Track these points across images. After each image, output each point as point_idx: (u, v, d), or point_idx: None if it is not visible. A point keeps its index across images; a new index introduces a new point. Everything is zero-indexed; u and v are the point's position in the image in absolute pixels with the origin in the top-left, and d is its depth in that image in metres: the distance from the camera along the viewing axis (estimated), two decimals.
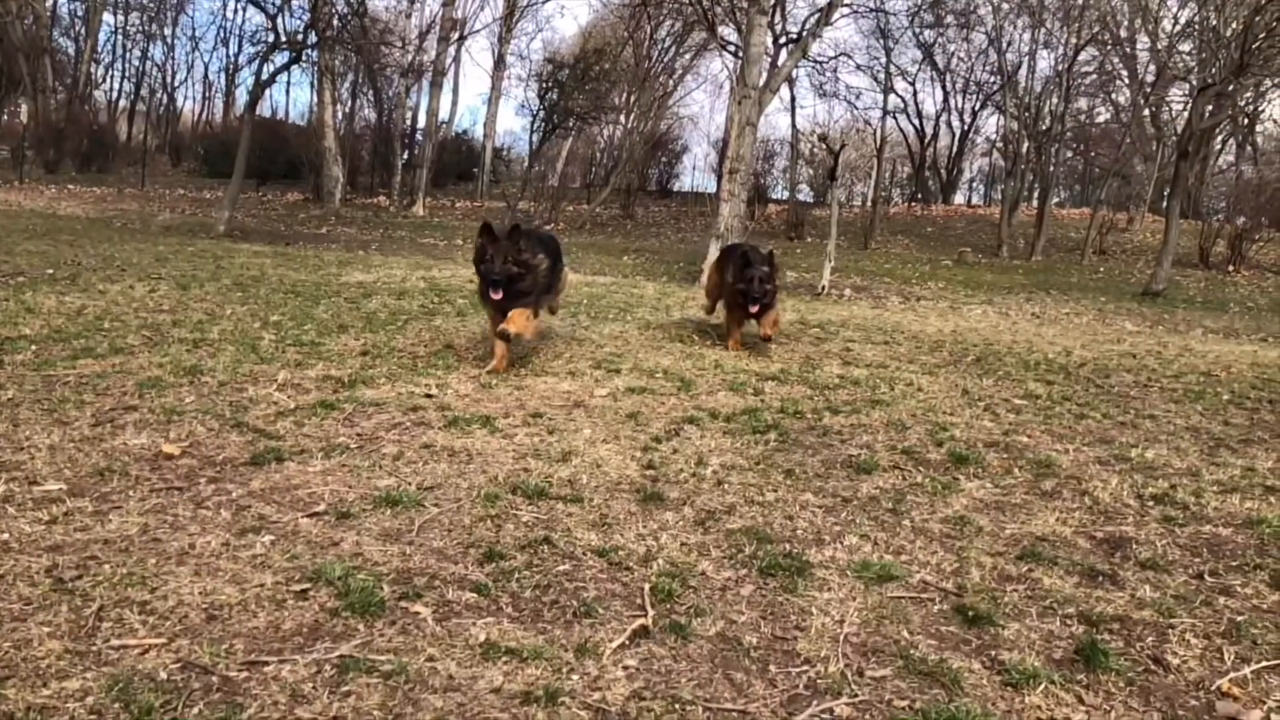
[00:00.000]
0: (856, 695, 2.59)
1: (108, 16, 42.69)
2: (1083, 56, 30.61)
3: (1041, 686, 2.68)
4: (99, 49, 42.83)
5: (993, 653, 2.88)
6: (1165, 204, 23.00)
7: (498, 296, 6.32)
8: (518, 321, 6.41)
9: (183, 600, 2.85)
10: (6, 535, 3.22)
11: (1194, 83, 22.54)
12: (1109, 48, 30.43)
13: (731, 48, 23.28)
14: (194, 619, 2.75)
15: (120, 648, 2.56)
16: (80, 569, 3.00)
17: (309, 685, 2.45)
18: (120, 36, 45.30)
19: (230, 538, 3.35)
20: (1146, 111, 30.27)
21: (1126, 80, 31.67)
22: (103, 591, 2.86)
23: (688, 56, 39.72)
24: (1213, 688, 2.75)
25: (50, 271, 10.09)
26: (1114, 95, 35.11)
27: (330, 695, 2.41)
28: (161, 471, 3.99)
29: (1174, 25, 28.53)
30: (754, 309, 7.64)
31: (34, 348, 6.08)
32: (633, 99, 35.64)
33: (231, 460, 4.21)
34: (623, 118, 36.19)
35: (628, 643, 2.79)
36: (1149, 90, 29.15)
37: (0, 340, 6.20)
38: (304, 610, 2.85)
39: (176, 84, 49.83)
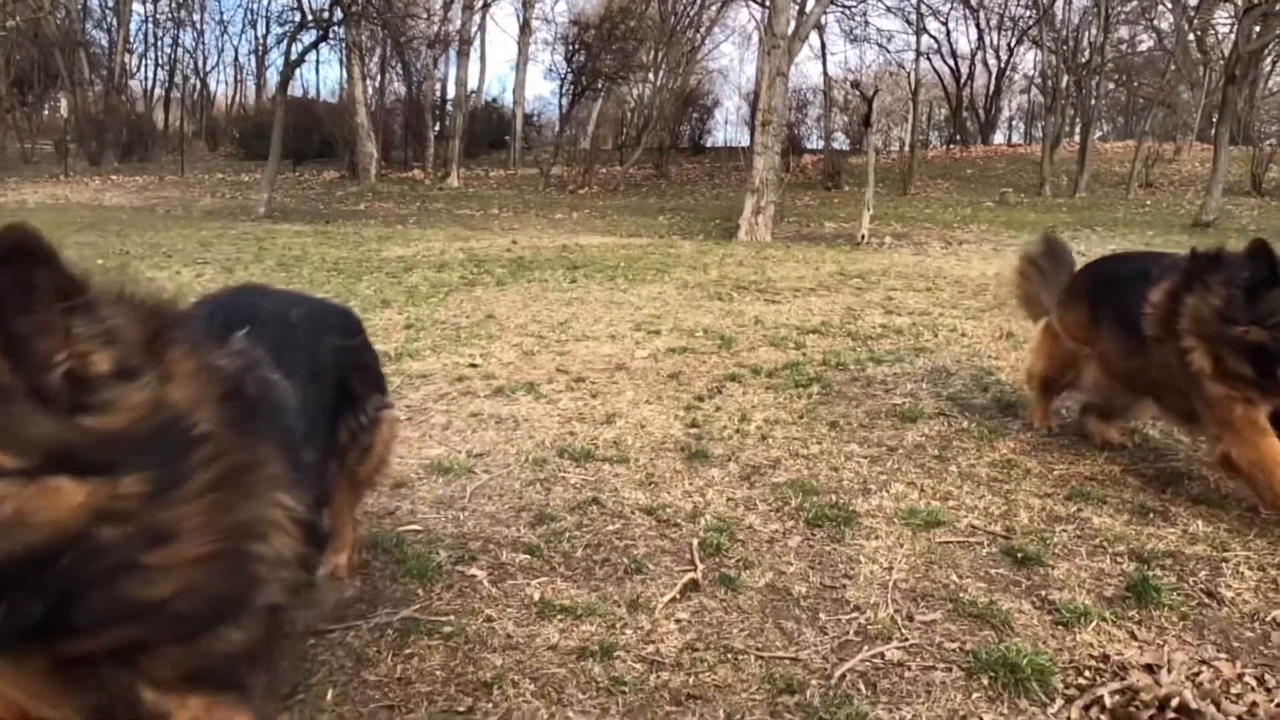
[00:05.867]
0: (907, 639, 2.62)
1: (137, 6, 43.01)
2: None
3: (1093, 624, 2.69)
4: (131, 39, 43.26)
5: (1043, 593, 2.89)
6: (1214, 131, 22.40)
7: None
8: None
9: None
10: None
11: (1240, 3, 21.82)
12: None
13: None
14: None
15: None
16: None
17: (373, 649, 2.53)
18: (151, 25, 45.69)
19: None
20: (1191, 36, 29.42)
21: (1169, 5, 30.75)
22: None
23: (714, 9, 39.17)
24: (1268, 619, 2.75)
25: (100, 262, 10.31)
26: (1156, 21, 34.12)
27: (394, 658, 2.49)
28: None
29: None
30: None
31: None
32: (660, 56, 35.25)
33: None
34: (651, 76, 35.85)
35: (678, 597, 2.84)
36: (1193, 13, 28.30)
37: None
38: (364, 576, 2.94)
39: (208, 69, 50.16)
